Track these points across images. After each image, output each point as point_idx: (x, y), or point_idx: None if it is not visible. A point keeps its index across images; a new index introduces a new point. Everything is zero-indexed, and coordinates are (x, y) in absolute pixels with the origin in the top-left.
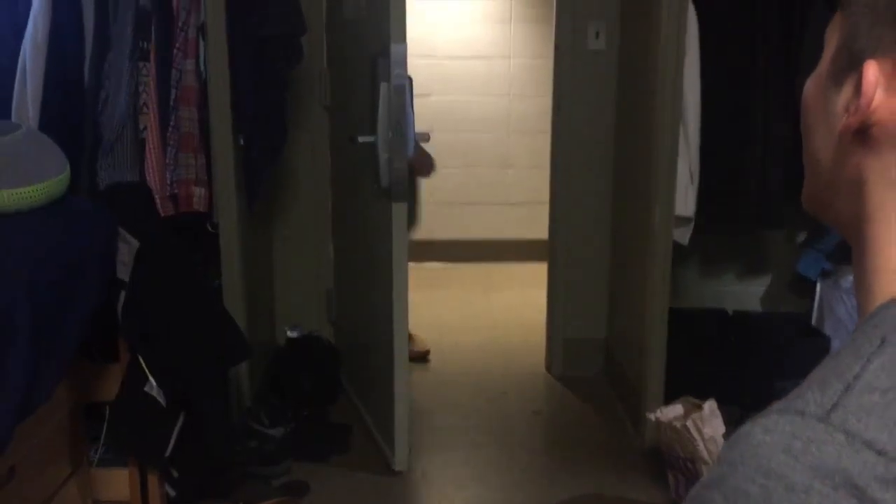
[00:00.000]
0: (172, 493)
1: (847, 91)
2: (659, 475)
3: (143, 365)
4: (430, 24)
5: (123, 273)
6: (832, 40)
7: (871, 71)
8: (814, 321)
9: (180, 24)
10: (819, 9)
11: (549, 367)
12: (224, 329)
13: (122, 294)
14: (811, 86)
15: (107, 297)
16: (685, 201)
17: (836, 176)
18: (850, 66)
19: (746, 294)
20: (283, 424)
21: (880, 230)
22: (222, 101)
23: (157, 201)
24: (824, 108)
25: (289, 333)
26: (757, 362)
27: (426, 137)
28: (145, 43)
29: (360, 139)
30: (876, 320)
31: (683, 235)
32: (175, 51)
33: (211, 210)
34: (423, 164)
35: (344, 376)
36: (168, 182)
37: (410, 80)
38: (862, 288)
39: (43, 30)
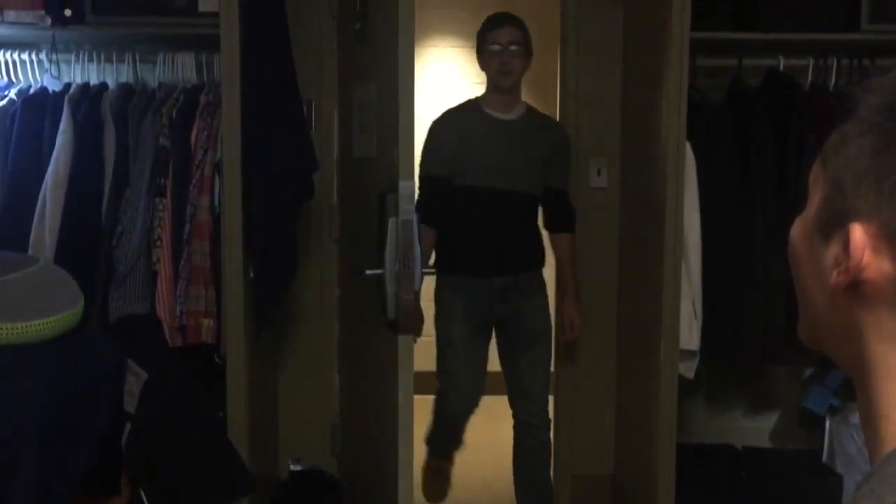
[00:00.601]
0: None
1: (835, 248)
2: None
3: (144, 499)
4: None
5: (130, 405)
6: (816, 189)
7: (858, 235)
8: (825, 458)
9: (197, 161)
10: (813, 145)
11: None
12: (227, 461)
13: (128, 426)
14: (798, 230)
15: (113, 429)
16: (690, 335)
17: (833, 322)
18: (835, 222)
19: (755, 429)
20: None
21: (882, 379)
22: (235, 235)
23: (166, 332)
24: (814, 258)
25: (291, 467)
26: (769, 501)
27: (433, 270)
28: (162, 179)
29: (368, 272)
30: (894, 468)
31: (689, 369)
32: (191, 187)
33: (218, 341)
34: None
35: None
36: (177, 314)
37: (418, 214)
38: (870, 429)
39: (64, 167)
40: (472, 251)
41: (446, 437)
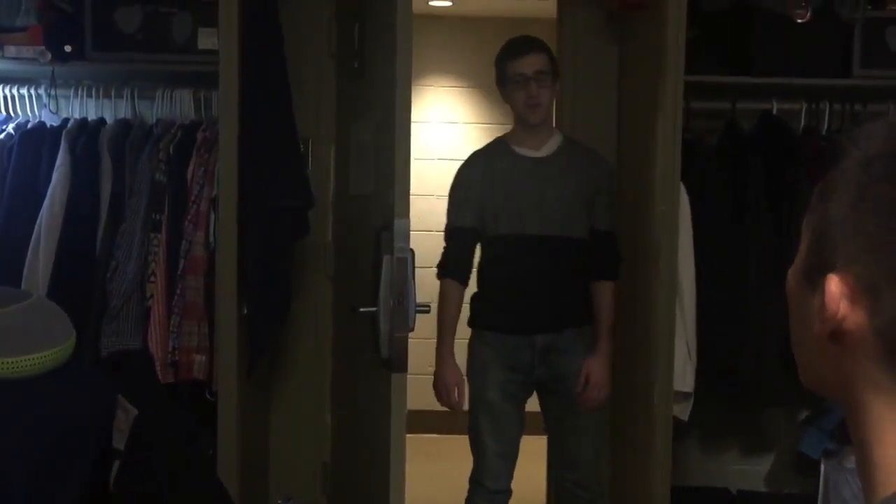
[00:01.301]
0: None
1: (819, 297)
2: None
3: None
4: (432, 199)
5: (119, 441)
6: (806, 235)
7: (834, 285)
8: (819, 503)
9: (193, 197)
10: (806, 188)
11: None
12: (216, 500)
13: (116, 463)
14: (791, 276)
15: (101, 466)
16: (684, 377)
17: (824, 368)
18: (819, 271)
19: (750, 472)
20: None
21: (872, 427)
22: (229, 271)
23: (158, 368)
24: (803, 305)
25: None
26: None
27: (427, 308)
28: (158, 215)
29: (362, 310)
30: None
31: (683, 411)
32: (186, 222)
33: (210, 378)
34: (444, 389)
35: None
36: (170, 349)
37: (413, 253)
38: (863, 475)
39: (60, 201)
40: (509, 306)
41: None
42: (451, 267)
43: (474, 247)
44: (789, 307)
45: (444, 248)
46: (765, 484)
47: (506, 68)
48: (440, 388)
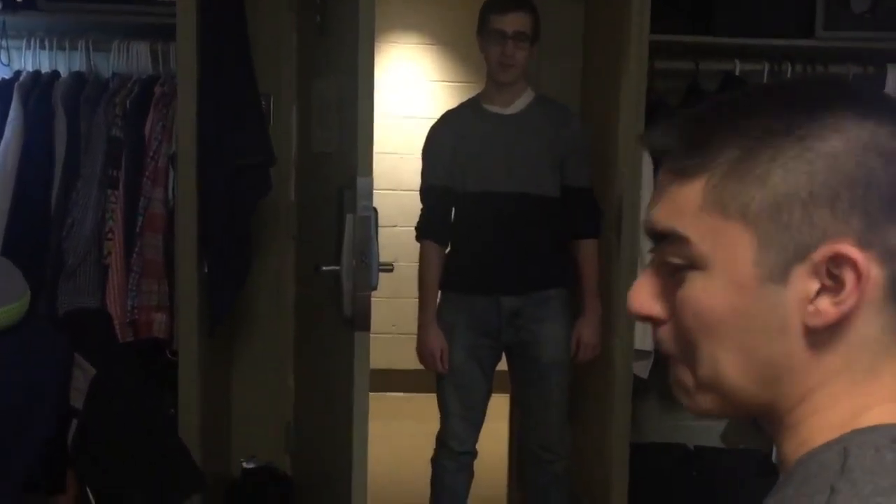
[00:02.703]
0: None
1: (800, 283)
2: None
3: (91, 497)
4: (396, 158)
5: (77, 400)
6: (730, 247)
7: (853, 252)
8: (774, 458)
9: (151, 153)
10: None
11: None
12: (176, 459)
13: (74, 422)
14: (721, 297)
15: (59, 425)
16: (644, 335)
17: (789, 363)
18: (796, 258)
19: (707, 429)
20: None
21: (827, 385)
22: (189, 228)
23: (116, 327)
24: (765, 311)
25: (244, 465)
26: (720, 500)
27: (390, 267)
28: (115, 171)
29: (325, 268)
30: (815, 467)
31: (643, 369)
32: (144, 179)
33: (171, 337)
34: (428, 355)
35: None
36: (129, 308)
37: (376, 211)
38: (790, 436)
39: (13, 157)
40: (476, 266)
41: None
42: (428, 227)
43: (450, 205)
44: (718, 332)
45: (421, 209)
46: (722, 440)
47: (487, 21)
48: (425, 354)
